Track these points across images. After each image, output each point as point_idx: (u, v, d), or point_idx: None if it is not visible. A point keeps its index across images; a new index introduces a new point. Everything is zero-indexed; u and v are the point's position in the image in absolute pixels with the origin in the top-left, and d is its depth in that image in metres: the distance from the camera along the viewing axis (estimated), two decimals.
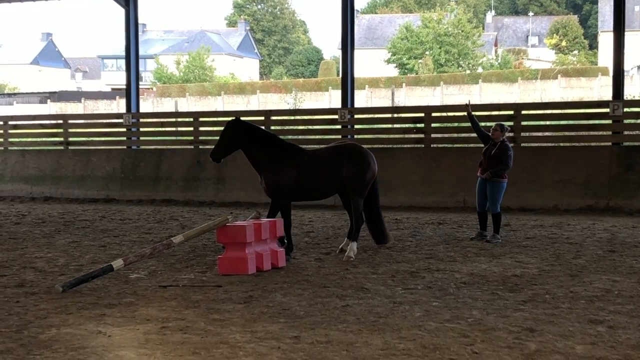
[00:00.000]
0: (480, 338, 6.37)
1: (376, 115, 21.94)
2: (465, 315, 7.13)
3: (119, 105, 58.76)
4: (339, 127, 19.04)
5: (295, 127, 20.88)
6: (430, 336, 6.43)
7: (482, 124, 19.13)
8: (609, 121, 17.25)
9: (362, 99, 53.81)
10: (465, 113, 12.99)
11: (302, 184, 10.57)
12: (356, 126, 19.42)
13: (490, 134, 12.25)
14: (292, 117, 22.40)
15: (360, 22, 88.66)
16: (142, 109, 27.02)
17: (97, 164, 20.92)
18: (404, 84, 61.21)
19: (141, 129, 21.77)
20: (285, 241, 10.49)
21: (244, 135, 10.56)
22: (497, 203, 12.11)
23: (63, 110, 59.83)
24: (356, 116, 19.51)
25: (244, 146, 10.61)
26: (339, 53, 67.69)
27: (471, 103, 13.42)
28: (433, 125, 18.53)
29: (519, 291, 8.22)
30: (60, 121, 23.16)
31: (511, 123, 17.63)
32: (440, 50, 72.33)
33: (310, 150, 11.12)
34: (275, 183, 10.50)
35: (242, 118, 11.02)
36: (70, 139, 21.88)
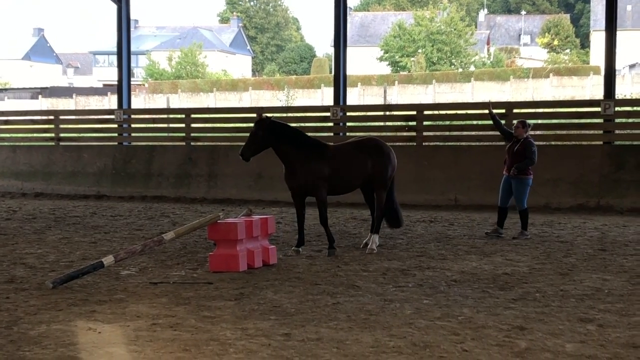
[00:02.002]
0: (470, 336, 6.37)
1: (368, 113, 21.94)
2: (455, 313, 7.14)
3: (110, 101, 58.61)
4: (331, 124, 19.04)
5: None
6: (420, 334, 6.44)
7: (474, 122, 19.21)
8: (601, 120, 17.30)
9: (355, 96, 53.81)
10: (487, 111, 13.10)
11: (333, 178, 10.83)
12: (348, 124, 19.42)
13: (512, 131, 12.40)
14: (285, 115, 22.34)
15: (353, 20, 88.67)
16: (134, 105, 26.97)
17: (88, 160, 20.88)
18: (396, 82, 61.22)
19: (133, 125, 21.73)
20: (328, 238, 10.77)
21: (275, 135, 10.63)
22: (524, 200, 12.27)
23: (54, 105, 59.64)
24: (348, 114, 19.51)
25: (275, 145, 10.67)
26: (331, 50, 67.63)
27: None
28: (425, 123, 18.54)
29: (509, 289, 8.24)
30: (52, 117, 23.10)
31: (503, 122, 17.67)
32: (432, 48, 72.39)
33: (335, 146, 11.37)
34: (312, 178, 10.67)
35: (268, 115, 11.05)
36: (62, 134, 21.83)
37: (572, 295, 7.93)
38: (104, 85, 78.59)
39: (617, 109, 17.18)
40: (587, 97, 45.11)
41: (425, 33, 72.48)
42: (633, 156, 16.43)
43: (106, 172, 20.56)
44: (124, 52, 21.58)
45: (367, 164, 11.03)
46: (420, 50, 72.36)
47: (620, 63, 37.16)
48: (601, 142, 17.14)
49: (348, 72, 20.17)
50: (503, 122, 16.48)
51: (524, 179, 12.24)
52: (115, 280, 8.85)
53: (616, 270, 9.38)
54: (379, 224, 11.17)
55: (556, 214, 15.35)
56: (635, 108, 20.48)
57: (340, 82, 19.27)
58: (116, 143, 21.31)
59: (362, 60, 73.52)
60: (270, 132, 10.62)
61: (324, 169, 10.72)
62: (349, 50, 20.39)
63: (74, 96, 63.67)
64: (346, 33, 19.77)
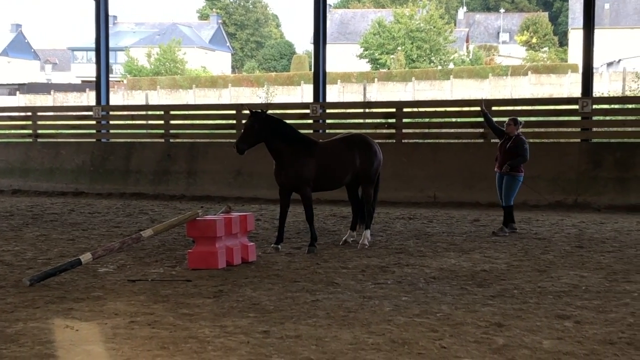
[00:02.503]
0: (448, 333, 6.40)
1: (348, 110, 21.95)
2: (434, 310, 7.16)
3: (88, 98, 58.24)
4: (310, 121, 19.03)
5: None
6: (399, 331, 6.45)
7: (453, 119, 19.26)
8: (578, 118, 17.39)
9: (334, 93, 53.84)
10: (479, 109, 13.18)
11: (321, 174, 10.89)
12: (328, 121, 19.42)
13: (504, 128, 12.52)
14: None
15: (333, 17, 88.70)
16: (113, 102, 26.75)
17: (66, 157, 20.74)
18: (375, 79, 61.32)
19: (111, 122, 21.61)
20: (311, 232, 10.86)
21: (269, 129, 10.64)
22: (511, 196, 12.44)
23: (32, 102, 59.24)
24: (328, 111, 19.51)
25: (269, 139, 10.68)
26: (311, 47, 67.63)
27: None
28: (404, 120, 18.58)
29: (487, 286, 8.27)
30: (29, 113, 22.92)
31: (482, 119, 17.73)
32: (412, 45, 72.57)
33: (323, 142, 11.42)
34: (299, 175, 10.71)
35: (268, 112, 11.05)
36: (39, 131, 21.67)
37: (549, 292, 7.98)
38: (82, 81, 78.00)
39: (594, 106, 17.27)
40: (565, 95, 45.35)
41: (404, 30, 72.66)
42: (610, 154, 16.53)
43: (84, 169, 20.43)
44: (102, 49, 21.44)
45: (355, 160, 11.13)
46: (399, 48, 72.52)
47: (598, 61, 37.38)
48: (579, 140, 17.24)
49: (328, 69, 20.18)
50: (482, 120, 16.55)
51: (515, 176, 12.41)
52: (93, 278, 8.80)
53: (593, 267, 9.44)
54: (369, 219, 11.29)
55: (534, 211, 15.43)
56: (612, 106, 20.60)
57: (319, 79, 19.27)
58: (94, 140, 21.18)
59: (342, 57, 73.64)
60: (265, 125, 10.63)
61: (311, 165, 10.76)
62: (328, 47, 20.41)
63: (52, 92, 63.30)
64: (326, 30, 19.76)
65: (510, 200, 12.41)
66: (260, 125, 10.58)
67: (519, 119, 12.77)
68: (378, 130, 18.44)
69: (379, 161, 11.43)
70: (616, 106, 20.42)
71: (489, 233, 12.39)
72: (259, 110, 10.80)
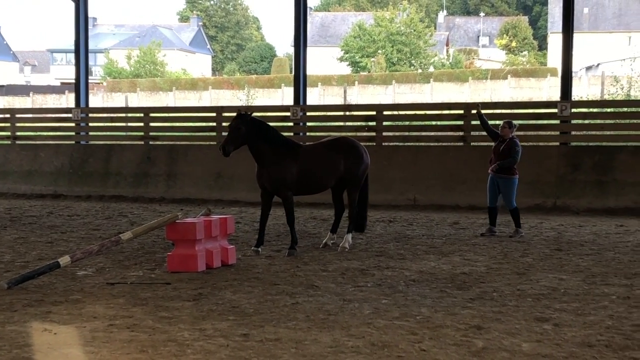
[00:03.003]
0: (428, 335, 6.41)
1: (328, 113, 21.95)
2: (414, 313, 7.17)
3: (68, 100, 57.94)
4: (291, 124, 19.02)
5: None
6: (379, 333, 6.46)
7: (433, 123, 19.32)
8: (557, 121, 17.49)
9: (315, 96, 53.86)
10: (475, 112, 13.25)
11: (304, 178, 10.88)
12: (308, 123, 19.42)
13: (499, 131, 12.67)
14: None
15: (314, 20, 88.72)
16: (92, 104, 26.68)
17: (45, 159, 20.61)
18: (356, 82, 61.41)
19: (90, 124, 21.52)
20: (292, 235, 10.87)
21: (254, 132, 10.65)
22: (512, 199, 12.52)
23: (11, 104, 58.81)
24: (308, 114, 19.50)
25: (252, 142, 10.67)
26: (292, 50, 67.64)
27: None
28: (385, 123, 18.61)
29: (467, 289, 8.29)
30: (8, 115, 22.74)
31: (462, 122, 17.80)
32: (392, 49, 72.71)
33: (308, 146, 11.47)
34: (280, 177, 10.69)
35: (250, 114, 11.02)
36: (18, 133, 21.54)
37: (528, 294, 8.01)
38: (62, 83, 77.64)
39: (573, 110, 17.39)
40: (544, 99, 45.59)
41: (385, 34, 72.80)
42: (589, 157, 16.64)
43: (63, 171, 20.32)
44: (81, 50, 21.35)
45: (340, 164, 11.12)
46: (380, 51, 72.65)
47: (577, 65, 37.64)
48: (558, 143, 17.33)
49: (308, 72, 20.17)
50: (461, 123, 16.65)
51: (510, 179, 12.51)
52: (72, 281, 8.75)
53: (572, 270, 9.49)
54: (353, 222, 11.31)
55: None
56: (591, 109, 20.77)
57: (300, 82, 19.27)
58: (74, 142, 21.07)
59: (323, 60, 73.61)
60: (250, 128, 10.64)
61: (293, 169, 10.75)
62: (309, 50, 20.39)
63: (31, 94, 62.90)
64: (306, 33, 19.76)
65: (513, 202, 12.51)
66: (247, 127, 10.59)
67: (514, 122, 12.91)
68: (359, 133, 18.47)
69: (366, 165, 11.41)
70: (595, 110, 20.60)
71: (468, 236, 12.44)
72: (244, 113, 10.80)
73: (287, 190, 10.80)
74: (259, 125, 10.79)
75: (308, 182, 11.03)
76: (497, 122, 18.91)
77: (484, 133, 14.51)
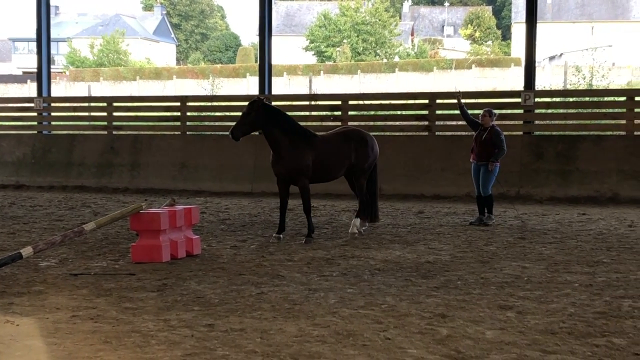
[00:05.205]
0: (393, 324, 6.43)
1: (294, 103, 21.91)
2: (379, 302, 7.19)
3: (30, 89, 57.27)
4: None
5: (212, 114, 20.70)
6: (344, 322, 6.47)
7: (398, 112, 19.34)
8: (521, 111, 17.63)
9: (280, 86, 53.76)
10: (455, 101, 13.29)
11: (318, 167, 11.06)
12: None
13: (479, 120, 12.72)
14: (209, 104, 22.18)
15: (279, 9, 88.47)
16: (54, 93, 26.35)
17: (6, 149, 20.38)
18: (321, 72, 61.43)
19: (53, 114, 21.30)
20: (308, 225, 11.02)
21: (266, 118, 10.74)
22: (489, 186, 12.67)
23: None
24: (274, 103, 19.39)
25: (265, 128, 10.77)
26: (257, 39, 67.44)
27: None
28: (350, 113, 18.64)
29: (431, 277, 8.34)
30: None
31: (426, 112, 17.87)
32: (357, 38, 72.78)
33: (322, 136, 11.56)
34: (297, 166, 10.84)
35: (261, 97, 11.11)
36: None
37: (492, 282, 8.07)
38: (24, 72, 76.69)
39: (536, 99, 17.53)
40: (508, 88, 45.86)
41: (350, 23, 72.85)
42: (552, 146, 16.79)
43: (25, 162, 20.09)
44: (43, 39, 21.10)
45: (351, 154, 11.36)
46: (345, 41, 72.69)
47: (540, 55, 37.87)
48: (521, 133, 17.47)
49: (274, 62, 20.12)
50: (426, 112, 16.71)
51: (494, 166, 12.54)
52: (34, 272, 8.66)
53: (535, 258, 9.58)
54: (362, 208, 11.59)
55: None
56: (554, 99, 20.93)
57: (265, 72, 19.21)
58: (36, 132, 20.86)
59: (288, 49, 73.51)
60: (261, 114, 10.70)
61: (309, 157, 10.91)
62: (274, 39, 20.34)
63: None
64: (271, 22, 19.71)
65: (489, 189, 12.67)
66: (256, 114, 10.69)
67: (494, 110, 12.98)
68: (324, 123, 18.46)
69: (375, 155, 11.72)
70: (558, 99, 20.75)
71: (433, 225, 12.50)
72: (257, 99, 10.95)
73: (305, 179, 10.94)
74: (273, 113, 10.90)
75: (322, 171, 11.24)
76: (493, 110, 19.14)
77: (449, 122, 14.65)
